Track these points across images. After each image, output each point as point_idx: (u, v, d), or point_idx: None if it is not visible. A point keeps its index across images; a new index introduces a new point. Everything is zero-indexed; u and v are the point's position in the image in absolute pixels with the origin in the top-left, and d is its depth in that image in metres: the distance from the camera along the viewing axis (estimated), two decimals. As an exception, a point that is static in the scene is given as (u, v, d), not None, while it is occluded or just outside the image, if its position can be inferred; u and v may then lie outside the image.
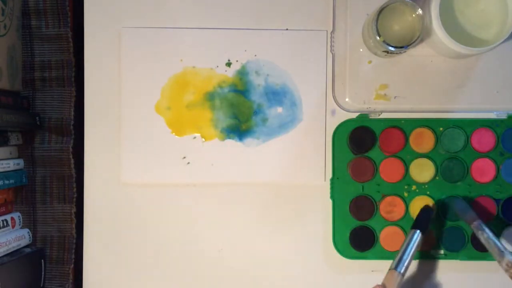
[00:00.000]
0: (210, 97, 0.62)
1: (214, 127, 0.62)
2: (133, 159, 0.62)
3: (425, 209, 0.60)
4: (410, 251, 0.55)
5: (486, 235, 0.55)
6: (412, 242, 0.56)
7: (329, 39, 0.63)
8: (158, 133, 0.62)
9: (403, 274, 0.53)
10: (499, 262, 0.52)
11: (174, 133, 0.63)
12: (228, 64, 0.63)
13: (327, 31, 0.63)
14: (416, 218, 0.60)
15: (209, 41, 0.62)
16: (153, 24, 0.62)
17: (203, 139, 0.63)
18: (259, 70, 0.63)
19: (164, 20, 0.63)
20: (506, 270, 0.51)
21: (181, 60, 0.63)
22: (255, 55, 0.63)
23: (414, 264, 0.64)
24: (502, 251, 0.52)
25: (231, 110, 0.62)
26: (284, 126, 0.63)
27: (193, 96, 0.62)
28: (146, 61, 0.62)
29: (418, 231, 0.57)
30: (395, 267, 0.53)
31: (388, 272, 0.53)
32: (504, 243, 0.63)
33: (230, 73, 0.63)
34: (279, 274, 0.63)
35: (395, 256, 0.55)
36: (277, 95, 0.63)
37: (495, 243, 0.54)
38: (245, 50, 0.63)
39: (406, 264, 0.54)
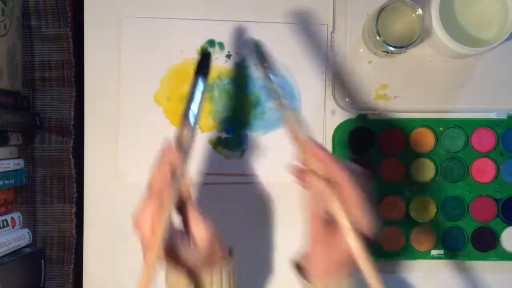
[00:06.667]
0: (209, 88, 0.62)
1: (212, 119, 0.62)
2: (132, 153, 0.62)
3: (204, 54, 0.53)
4: (197, 98, 0.48)
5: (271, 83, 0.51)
6: (198, 88, 0.49)
7: (329, 33, 0.63)
8: (156, 123, 0.62)
9: (194, 124, 0.47)
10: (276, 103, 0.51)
11: (172, 124, 0.62)
12: (228, 56, 0.63)
13: (327, 25, 0.63)
14: (197, 64, 0.51)
15: (210, 32, 0.62)
16: (154, 14, 0.62)
17: (201, 131, 0.63)
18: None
19: (165, 11, 0.62)
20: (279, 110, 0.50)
21: (181, 51, 0.62)
22: None
23: (414, 264, 0.64)
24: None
25: (229, 102, 0.62)
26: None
27: (192, 87, 0.62)
28: (146, 51, 0.62)
29: (201, 76, 0.50)
30: (185, 118, 0.47)
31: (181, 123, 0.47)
32: (504, 243, 0.63)
33: (230, 65, 0.63)
34: (279, 274, 0.63)
35: (184, 107, 0.48)
36: None
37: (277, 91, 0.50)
38: (245, 43, 0.63)
39: (196, 114, 0.48)
